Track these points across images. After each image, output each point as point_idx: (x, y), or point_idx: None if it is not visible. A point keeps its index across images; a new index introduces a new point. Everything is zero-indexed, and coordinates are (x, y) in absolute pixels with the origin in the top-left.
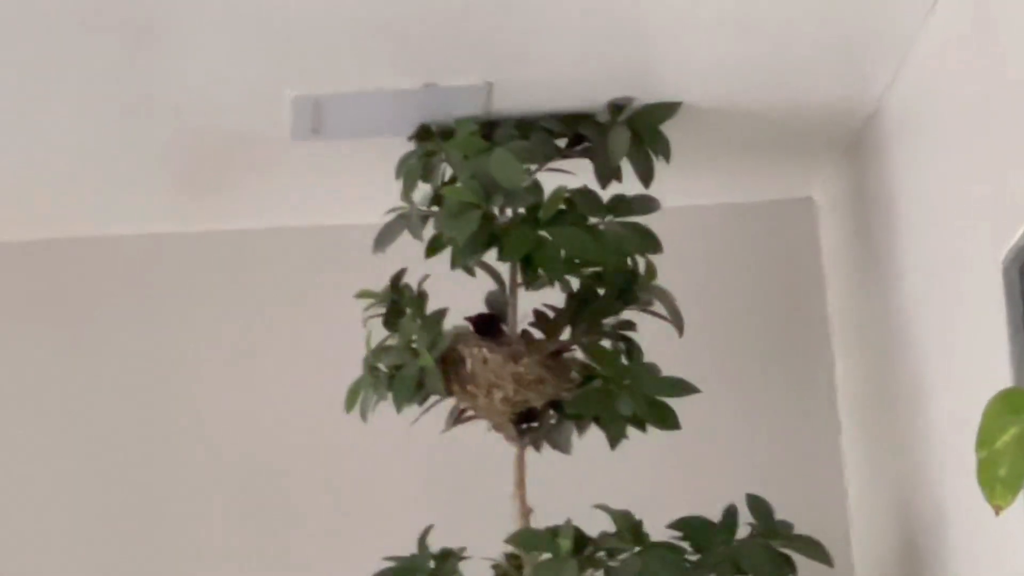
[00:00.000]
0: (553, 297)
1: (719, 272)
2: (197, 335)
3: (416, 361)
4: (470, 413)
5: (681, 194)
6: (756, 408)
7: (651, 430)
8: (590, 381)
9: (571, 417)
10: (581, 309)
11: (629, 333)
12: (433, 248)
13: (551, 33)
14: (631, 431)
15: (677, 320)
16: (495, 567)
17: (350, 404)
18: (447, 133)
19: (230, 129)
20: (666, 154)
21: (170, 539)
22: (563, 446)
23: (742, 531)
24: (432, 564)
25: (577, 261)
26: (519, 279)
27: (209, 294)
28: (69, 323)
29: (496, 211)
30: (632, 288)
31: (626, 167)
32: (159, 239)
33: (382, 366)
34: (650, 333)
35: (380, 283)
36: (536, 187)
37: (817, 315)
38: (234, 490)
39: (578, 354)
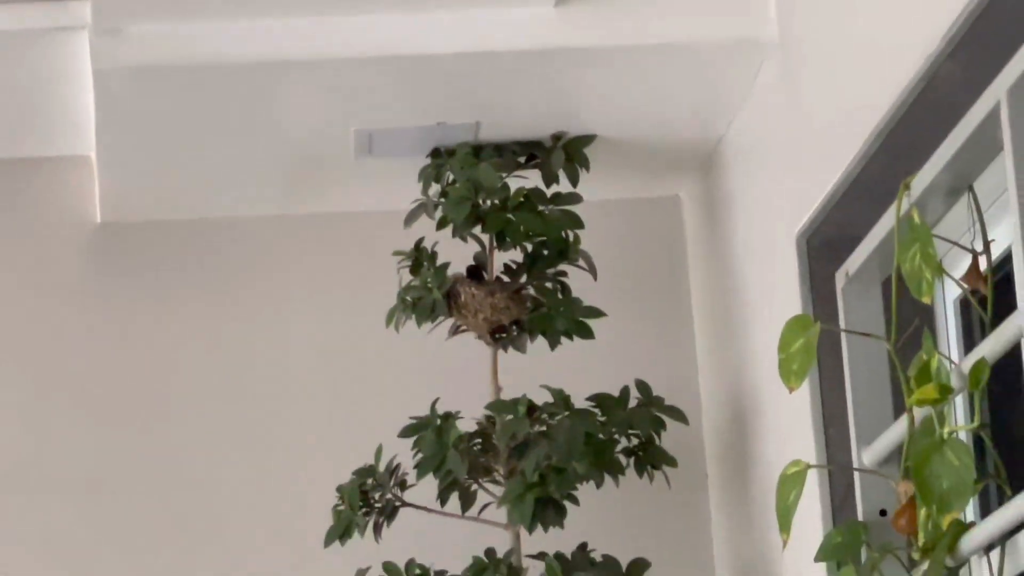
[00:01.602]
0: (516, 256)
1: (616, 242)
2: (277, 294)
3: (431, 295)
4: (463, 328)
5: (593, 192)
6: (643, 328)
7: (576, 340)
8: (539, 308)
9: (527, 331)
10: (534, 263)
11: (563, 279)
12: (441, 225)
13: (516, 92)
14: (563, 340)
15: (593, 270)
16: (478, 424)
17: (388, 321)
18: (451, 153)
19: (312, 149)
20: (586, 166)
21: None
22: (522, 348)
23: (632, 403)
24: (438, 421)
25: (531, 233)
26: (495, 244)
27: (293, 262)
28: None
29: (481, 202)
30: (566, 250)
31: (561, 175)
32: (263, 221)
33: (408, 298)
34: (576, 279)
35: (408, 247)
36: (506, 187)
37: (681, 272)
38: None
39: (531, 291)
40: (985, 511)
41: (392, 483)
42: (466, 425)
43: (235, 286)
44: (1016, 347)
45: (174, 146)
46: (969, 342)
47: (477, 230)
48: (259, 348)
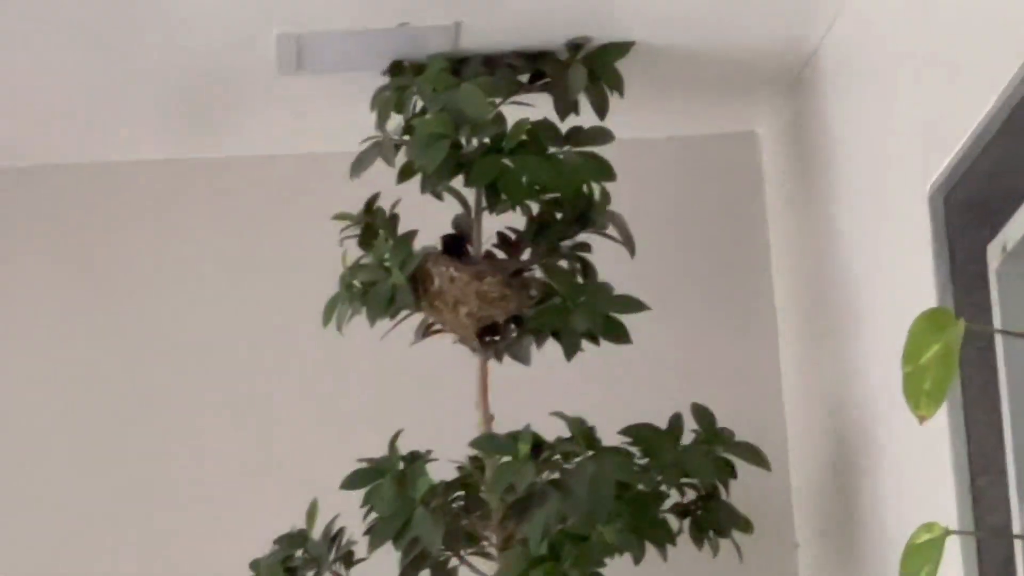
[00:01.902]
0: (515, 221)
1: (668, 200)
2: (187, 254)
3: (388, 278)
4: (437, 327)
5: (633, 127)
6: (701, 325)
7: (604, 344)
8: (548, 298)
9: (530, 331)
10: (541, 232)
11: (585, 254)
12: (404, 174)
13: None
14: (586, 344)
15: (629, 243)
16: (459, 468)
17: (327, 318)
18: (419, 69)
19: (219, 64)
20: (620, 89)
21: (165, 441)
22: (523, 358)
23: (687, 438)
24: (401, 464)
25: (537, 187)
26: (484, 204)
27: (196, 218)
28: (63, 246)
29: (463, 141)
30: (588, 213)
31: (583, 101)
32: (150, 166)
33: (357, 283)
34: (604, 255)
35: (356, 208)
36: (500, 119)
37: (760, 241)
38: (221, 398)
39: (537, 273)
40: None
41: (332, 556)
42: (442, 471)
43: (112, 251)
44: None
45: (39, 74)
46: None
47: (458, 182)
48: (146, 344)
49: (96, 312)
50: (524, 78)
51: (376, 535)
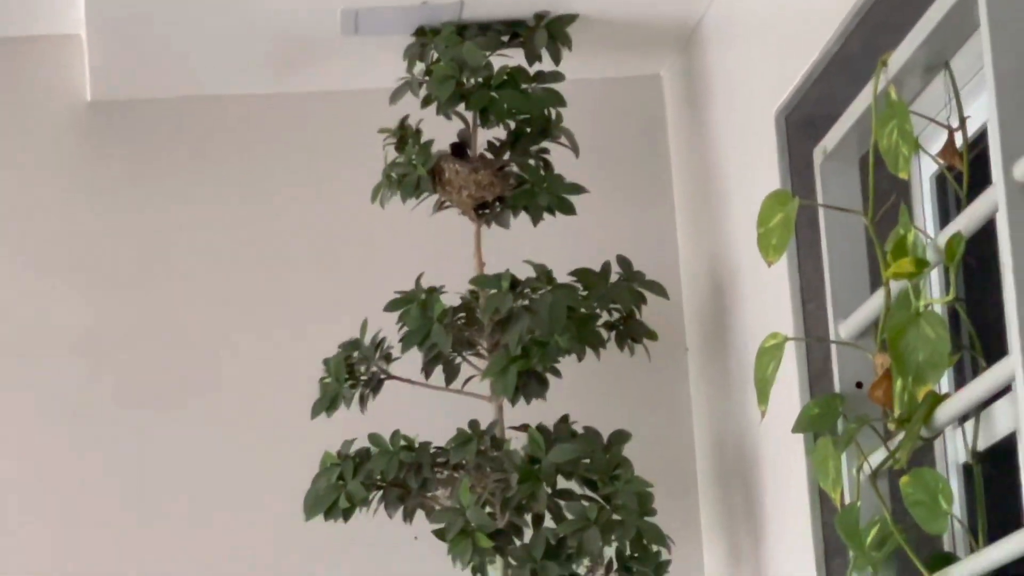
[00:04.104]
0: (499, 133)
1: (597, 124)
2: (276, 166)
3: (415, 171)
4: (447, 204)
5: (574, 71)
6: (621, 205)
7: (558, 216)
8: (521, 185)
9: (509, 207)
10: (517, 140)
11: (545, 156)
12: (425, 102)
13: None
14: (546, 216)
15: (575, 148)
16: (462, 298)
17: (374, 196)
18: (435, 32)
19: (300, 25)
20: (568, 45)
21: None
22: (504, 224)
23: (613, 278)
24: (423, 295)
25: (514, 111)
26: (479, 122)
27: (284, 141)
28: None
29: (465, 80)
30: (548, 128)
31: (544, 55)
32: (252, 99)
33: (393, 175)
34: (558, 157)
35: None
36: (489, 65)
37: (663, 152)
38: (318, 271)
39: (514, 168)
40: (960, 383)
41: (377, 356)
42: (450, 300)
43: (223, 162)
44: (991, 221)
45: (163, 24)
46: (944, 217)
47: (461, 108)
48: (247, 224)
49: (234, 217)
50: (505, 38)
51: (406, 342)
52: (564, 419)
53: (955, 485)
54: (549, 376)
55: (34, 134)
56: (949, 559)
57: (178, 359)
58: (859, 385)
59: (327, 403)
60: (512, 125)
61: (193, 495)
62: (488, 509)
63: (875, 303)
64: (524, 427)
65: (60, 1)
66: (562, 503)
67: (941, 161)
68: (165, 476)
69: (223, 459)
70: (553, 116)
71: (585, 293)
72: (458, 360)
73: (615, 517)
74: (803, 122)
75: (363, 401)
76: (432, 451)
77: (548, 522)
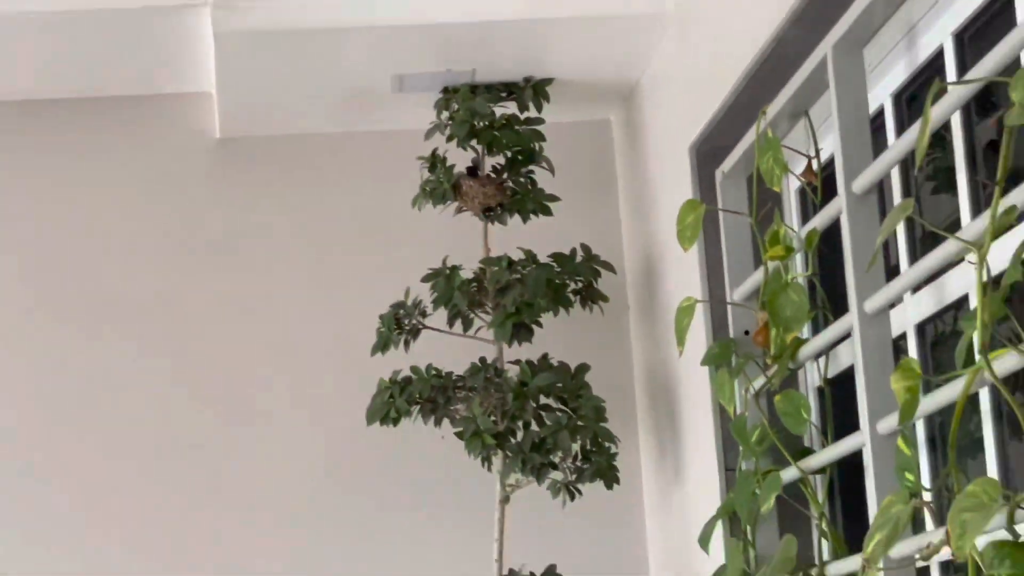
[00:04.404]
0: (500, 160)
1: (565, 155)
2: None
3: (442, 186)
4: (464, 209)
5: (550, 116)
6: (582, 213)
7: (541, 217)
8: (515, 195)
9: (507, 211)
10: (512, 165)
11: (531, 176)
12: (449, 138)
13: (495, 52)
14: (532, 217)
15: (551, 169)
16: (474, 273)
17: (414, 204)
18: (456, 90)
19: (365, 83)
20: (547, 99)
21: None
22: (504, 222)
23: (578, 259)
24: (448, 271)
25: (510, 145)
26: (485, 152)
27: (349, 166)
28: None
29: (476, 123)
30: (533, 156)
31: (531, 106)
32: (328, 136)
33: (427, 188)
34: (541, 177)
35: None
36: (493, 114)
37: (610, 180)
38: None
39: (511, 184)
40: (816, 331)
41: (416, 313)
42: (466, 275)
43: (309, 178)
44: (837, 221)
45: (271, 80)
46: (805, 218)
47: (474, 143)
48: (331, 225)
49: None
50: (504, 95)
51: (436, 303)
52: (544, 356)
53: (812, 402)
54: (534, 327)
55: (176, 165)
56: (807, 452)
57: (271, 329)
58: (747, 333)
59: (381, 345)
60: (509, 154)
61: (283, 410)
62: (492, 418)
63: (757, 276)
64: (517, 362)
65: (197, 65)
66: (543, 414)
67: (803, 179)
68: (265, 383)
69: (307, 388)
70: (537, 148)
71: (559, 270)
72: (472, 315)
73: (579, 423)
74: (709, 152)
75: (406, 344)
76: (454, 378)
77: (534, 427)
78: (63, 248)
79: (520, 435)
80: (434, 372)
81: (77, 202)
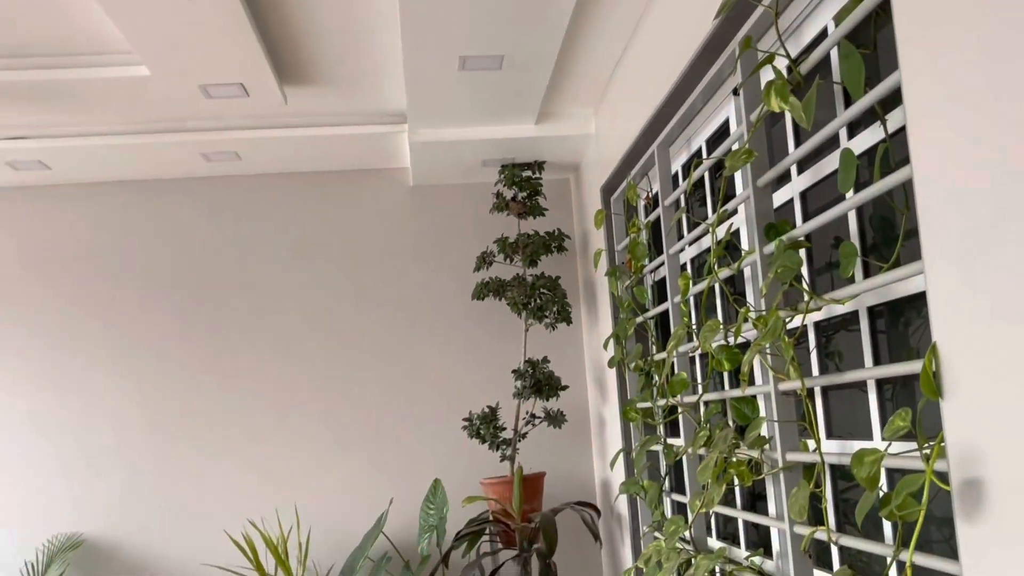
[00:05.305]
0: (523, 193)
1: (549, 192)
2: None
3: (503, 203)
4: (509, 214)
5: (545, 176)
6: (550, 226)
7: (542, 219)
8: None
9: (530, 213)
10: (529, 196)
11: (544, 212)
12: (505, 184)
13: (521, 152)
14: (534, 219)
15: (544, 197)
16: (515, 239)
17: (491, 211)
18: (506, 165)
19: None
20: (543, 169)
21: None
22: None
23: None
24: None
25: (528, 187)
26: (517, 191)
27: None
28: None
29: (514, 178)
30: (538, 192)
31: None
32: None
33: (498, 205)
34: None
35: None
36: (521, 175)
37: (568, 208)
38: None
39: (527, 206)
40: (651, 260)
41: (491, 259)
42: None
43: (462, 207)
44: (658, 218)
45: (436, 159)
46: (647, 214)
47: (514, 187)
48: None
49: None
50: (526, 166)
51: (503, 255)
52: (542, 274)
53: (648, 291)
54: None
55: (386, 205)
56: (646, 311)
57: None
58: (623, 263)
59: (479, 266)
60: (527, 191)
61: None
62: (521, 297)
63: (627, 240)
64: (532, 276)
65: (402, 155)
66: (541, 296)
67: (646, 202)
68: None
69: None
70: (540, 189)
71: (548, 242)
72: (513, 256)
73: (555, 300)
74: (608, 189)
75: (488, 266)
76: (506, 281)
77: (536, 302)
78: (326, 251)
79: (531, 305)
80: (499, 279)
81: (338, 228)
